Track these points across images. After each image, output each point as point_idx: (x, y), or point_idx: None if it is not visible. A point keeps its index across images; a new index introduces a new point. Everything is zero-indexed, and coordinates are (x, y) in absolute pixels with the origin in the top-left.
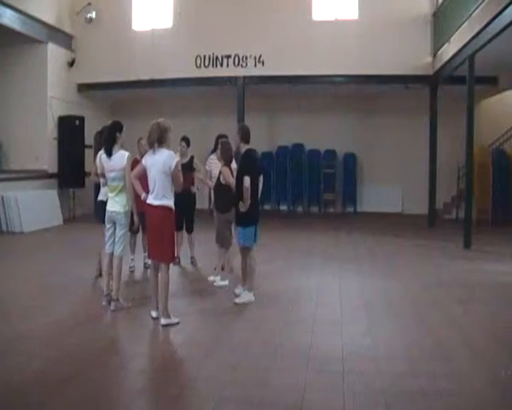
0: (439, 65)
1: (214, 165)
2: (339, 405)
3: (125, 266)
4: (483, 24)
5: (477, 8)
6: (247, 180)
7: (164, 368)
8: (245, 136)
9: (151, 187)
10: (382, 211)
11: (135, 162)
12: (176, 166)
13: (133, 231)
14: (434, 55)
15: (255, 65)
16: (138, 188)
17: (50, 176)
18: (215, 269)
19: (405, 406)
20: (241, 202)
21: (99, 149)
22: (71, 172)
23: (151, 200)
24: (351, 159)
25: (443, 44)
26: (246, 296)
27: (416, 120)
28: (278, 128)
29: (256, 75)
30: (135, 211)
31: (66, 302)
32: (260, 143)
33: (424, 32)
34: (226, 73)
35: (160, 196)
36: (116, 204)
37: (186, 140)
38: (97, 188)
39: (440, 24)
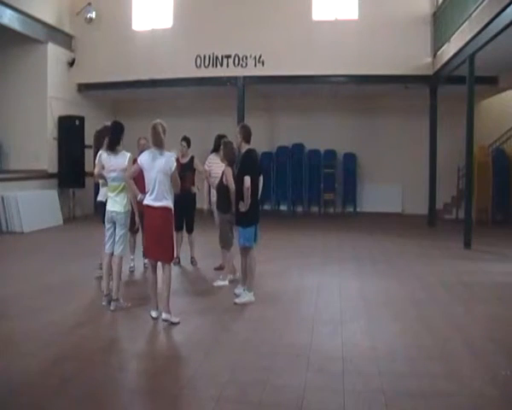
0: (439, 65)
1: (214, 165)
2: (339, 405)
3: (125, 266)
4: (483, 24)
5: (477, 8)
6: (247, 180)
7: (164, 368)
8: (246, 136)
9: (150, 188)
10: (382, 211)
11: (135, 162)
12: (175, 167)
13: (133, 231)
14: (434, 55)
15: (255, 65)
16: (134, 188)
17: (50, 176)
18: (215, 269)
19: (405, 406)
20: (241, 202)
21: (99, 149)
22: (71, 172)
23: (150, 201)
24: (351, 159)
25: (443, 44)
26: (246, 296)
27: (416, 120)
28: (278, 128)
29: (256, 75)
30: (136, 211)
31: (66, 302)
32: (260, 143)
33: (424, 32)
34: (226, 73)
35: (161, 197)
36: (116, 204)
37: (187, 140)
38: (98, 188)
39: (440, 24)
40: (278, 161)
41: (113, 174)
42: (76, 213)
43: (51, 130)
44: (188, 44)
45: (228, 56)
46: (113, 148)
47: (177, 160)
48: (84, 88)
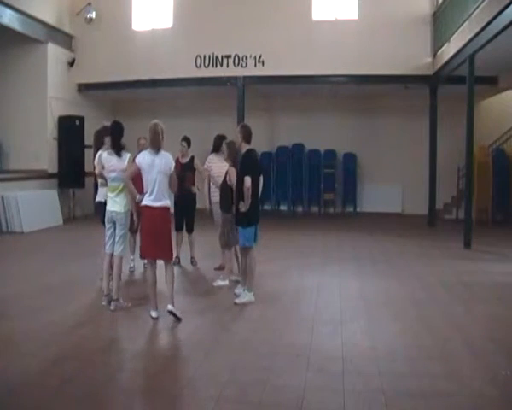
0: (439, 65)
1: (214, 165)
2: (339, 405)
3: (125, 266)
4: (483, 24)
5: (477, 8)
6: (247, 180)
7: (164, 368)
8: (247, 136)
9: (149, 188)
10: (382, 211)
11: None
12: (174, 167)
13: (133, 231)
14: (434, 55)
15: (255, 65)
16: (132, 188)
17: (50, 176)
18: (215, 269)
19: (405, 406)
20: (241, 202)
21: (98, 149)
22: (71, 172)
23: (150, 202)
24: (351, 159)
25: (443, 44)
26: (246, 296)
27: (416, 120)
28: (278, 128)
29: (256, 75)
30: (134, 211)
31: (66, 302)
32: (260, 143)
33: (424, 32)
34: (226, 73)
35: (161, 197)
36: (116, 204)
37: (187, 140)
38: (97, 188)
39: (440, 24)
40: (278, 161)
41: (113, 174)
42: (76, 213)
43: (51, 130)
44: (188, 44)
45: (228, 56)
46: (119, 152)
47: (178, 160)
48: (84, 88)
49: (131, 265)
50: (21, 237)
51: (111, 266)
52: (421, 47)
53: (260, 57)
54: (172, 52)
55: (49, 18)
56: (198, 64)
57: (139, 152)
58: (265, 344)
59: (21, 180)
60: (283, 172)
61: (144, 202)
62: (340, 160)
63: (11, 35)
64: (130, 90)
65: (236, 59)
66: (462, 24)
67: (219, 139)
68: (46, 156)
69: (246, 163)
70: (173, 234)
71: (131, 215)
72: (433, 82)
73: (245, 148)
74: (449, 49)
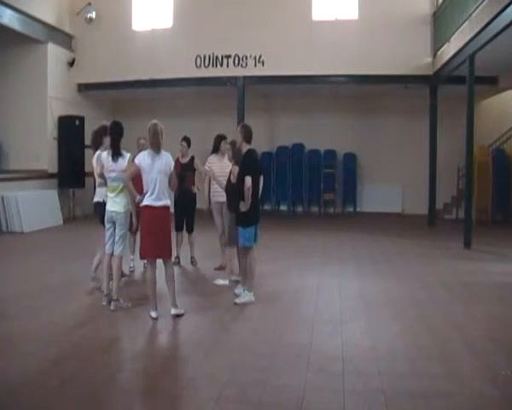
0: (438, 65)
1: (214, 165)
2: (339, 405)
3: (125, 266)
4: (483, 24)
5: (477, 8)
6: (248, 180)
7: (164, 368)
8: (247, 135)
9: (150, 188)
10: (382, 211)
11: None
12: (174, 167)
13: (132, 231)
14: (434, 55)
15: (255, 65)
16: (131, 188)
17: (50, 176)
18: (215, 270)
19: (405, 406)
20: (241, 202)
21: (97, 149)
22: (71, 172)
23: (151, 201)
24: (351, 159)
25: (443, 44)
26: (246, 296)
27: (416, 120)
28: (278, 128)
29: (256, 75)
30: (134, 211)
31: (66, 302)
32: (260, 143)
33: (424, 32)
34: (226, 73)
35: (161, 197)
36: (116, 204)
37: (187, 140)
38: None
39: (440, 24)
40: (278, 161)
41: (113, 174)
42: (76, 213)
43: (51, 130)
44: (188, 44)
45: (228, 56)
46: (118, 154)
47: (178, 160)
48: (84, 88)
49: (131, 265)
50: (21, 237)
51: (111, 266)
52: (421, 47)
53: (260, 57)
54: (172, 52)
55: (49, 18)
56: (198, 64)
57: (139, 152)
58: (265, 344)
59: (21, 180)
60: (283, 172)
61: (145, 202)
62: (340, 160)
63: (11, 35)
64: (130, 90)
65: (236, 59)
66: (462, 24)
67: (219, 139)
68: (46, 156)
69: (246, 163)
70: (173, 234)
71: (131, 216)
72: (433, 82)
73: (245, 148)
74: (449, 49)
